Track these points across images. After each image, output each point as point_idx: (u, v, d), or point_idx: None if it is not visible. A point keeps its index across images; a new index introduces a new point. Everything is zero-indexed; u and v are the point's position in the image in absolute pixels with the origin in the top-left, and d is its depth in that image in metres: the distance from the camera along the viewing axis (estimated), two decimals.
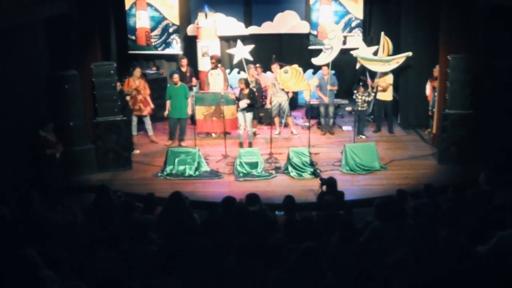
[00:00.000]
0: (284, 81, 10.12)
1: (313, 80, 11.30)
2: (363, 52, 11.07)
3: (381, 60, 11.05)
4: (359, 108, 10.90)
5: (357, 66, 11.15)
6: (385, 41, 11.10)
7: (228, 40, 13.48)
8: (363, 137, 10.99)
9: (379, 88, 11.21)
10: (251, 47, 11.21)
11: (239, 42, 11.35)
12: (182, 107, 10.61)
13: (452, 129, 9.43)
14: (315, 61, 11.11)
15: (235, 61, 11.49)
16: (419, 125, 11.68)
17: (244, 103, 10.12)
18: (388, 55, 11.10)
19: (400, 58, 10.91)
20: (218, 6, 12.74)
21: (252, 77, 11.17)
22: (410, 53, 10.84)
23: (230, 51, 11.44)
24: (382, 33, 11.19)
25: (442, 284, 3.82)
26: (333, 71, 11.08)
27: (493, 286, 3.66)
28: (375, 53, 11.15)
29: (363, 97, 10.87)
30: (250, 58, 11.16)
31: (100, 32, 10.58)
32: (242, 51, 11.12)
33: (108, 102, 9.44)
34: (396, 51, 11.37)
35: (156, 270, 4.45)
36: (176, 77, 10.62)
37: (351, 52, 11.65)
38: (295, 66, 10.28)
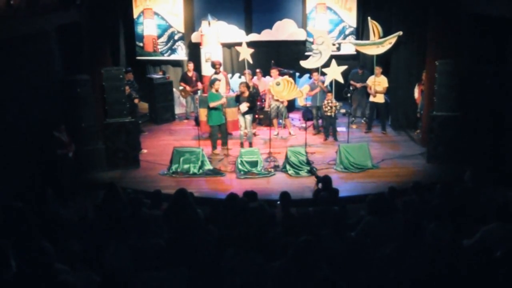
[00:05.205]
0: (277, 93, 10.14)
1: (304, 87, 11.30)
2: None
3: (375, 43, 10.98)
4: (328, 114, 10.68)
5: (326, 82, 10.86)
6: (373, 25, 11.00)
7: (230, 47, 13.50)
8: (337, 141, 10.71)
9: (373, 91, 11.21)
10: (251, 50, 11.21)
11: (244, 42, 11.30)
12: (221, 113, 10.18)
13: (440, 130, 9.44)
14: (304, 64, 11.10)
15: (240, 58, 11.46)
16: (408, 126, 11.68)
17: (244, 106, 10.11)
18: (379, 37, 11.03)
19: (392, 38, 10.82)
20: (220, 14, 12.75)
21: (250, 82, 11.14)
22: (400, 32, 10.73)
23: (238, 48, 11.40)
24: (369, 18, 11.12)
25: (429, 276, 3.83)
26: (323, 77, 11.04)
27: (478, 278, 3.66)
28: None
29: (330, 104, 10.62)
30: (250, 61, 11.15)
31: (110, 39, 10.59)
32: (245, 52, 11.09)
33: (118, 105, 9.45)
34: (389, 55, 11.38)
35: (163, 262, 4.45)
36: (217, 84, 10.16)
37: (350, 42, 11.76)
38: (286, 77, 10.31)
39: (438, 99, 9.46)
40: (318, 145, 10.74)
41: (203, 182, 9.01)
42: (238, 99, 10.25)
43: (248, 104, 10.09)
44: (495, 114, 8.76)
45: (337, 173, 9.14)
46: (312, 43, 13.43)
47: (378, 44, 10.92)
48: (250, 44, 11.39)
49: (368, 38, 11.49)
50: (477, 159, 8.65)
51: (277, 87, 10.01)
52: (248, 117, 10.30)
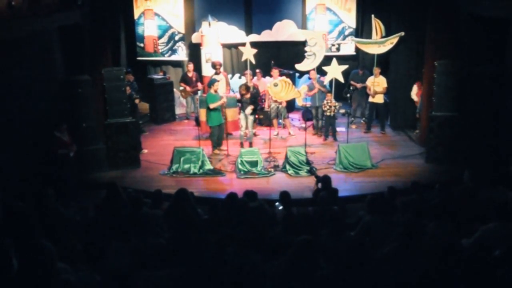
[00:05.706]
0: (275, 94, 10.13)
1: (302, 87, 11.29)
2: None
3: (376, 42, 10.97)
4: (327, 114, 10.67)
5: (326, 81, 10.77)
6: (376, 24, 10.97)
7: (230, 47, 13.49)
8: (337, 141, 10.73)
9: (374, 92, 11.20)
10: (254, 51, 11.19)
11: (247, 43, 11.29)
12: (220, 113, 10.19)
13: (439, 130, 9.44)
14: (298, 67, 11.06)
15: (243, 58, 11.44)
16: (407, 126, 11.68)
17: (249, 109, 10.12)
18: (382, 36, 11.01)
19: (394, 38, 10.79)
20: (220, 15, 12.75)
21: (250, 82, 11.12)
22: (402, 33, 10.71)
23: (241, 48, 11.39)
24: (373, 16, 11.11)
25: (429, 275, 3.82)
26: (323, 77, 11.02)
27: (476, 277, 3.66)
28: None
29: (330, 104, 10.62)
30: (253, 61, 11.14)
31: (110, 40, 10.58)
32: (248, 52, 11.08)
33: (118, 105, 9.45)
34: (388, 55, 11.37)
35: (163, 262, 4.45)
36: (216, 85, 10.19)
37: (352, 40, 11.86)
38: (284, 78, 10.29)
39: (437, 100, 9.45)
40: (318, 145, 10.73)
41: (203, 182, 9.00)
42: (240, 102, 10.24)
43: (252, 107, 10.12)
44: (494, 114, 8.74)
45: (337, 173, 9.13)
46: None
47: (379, 43, 10.92)
48: (250, 45, 11.39)
49: (368, 38, 11.48)
50: (476, 159, 8.65)
51: (275, 88, 10.01)
52: (251, 118, 10.30)
